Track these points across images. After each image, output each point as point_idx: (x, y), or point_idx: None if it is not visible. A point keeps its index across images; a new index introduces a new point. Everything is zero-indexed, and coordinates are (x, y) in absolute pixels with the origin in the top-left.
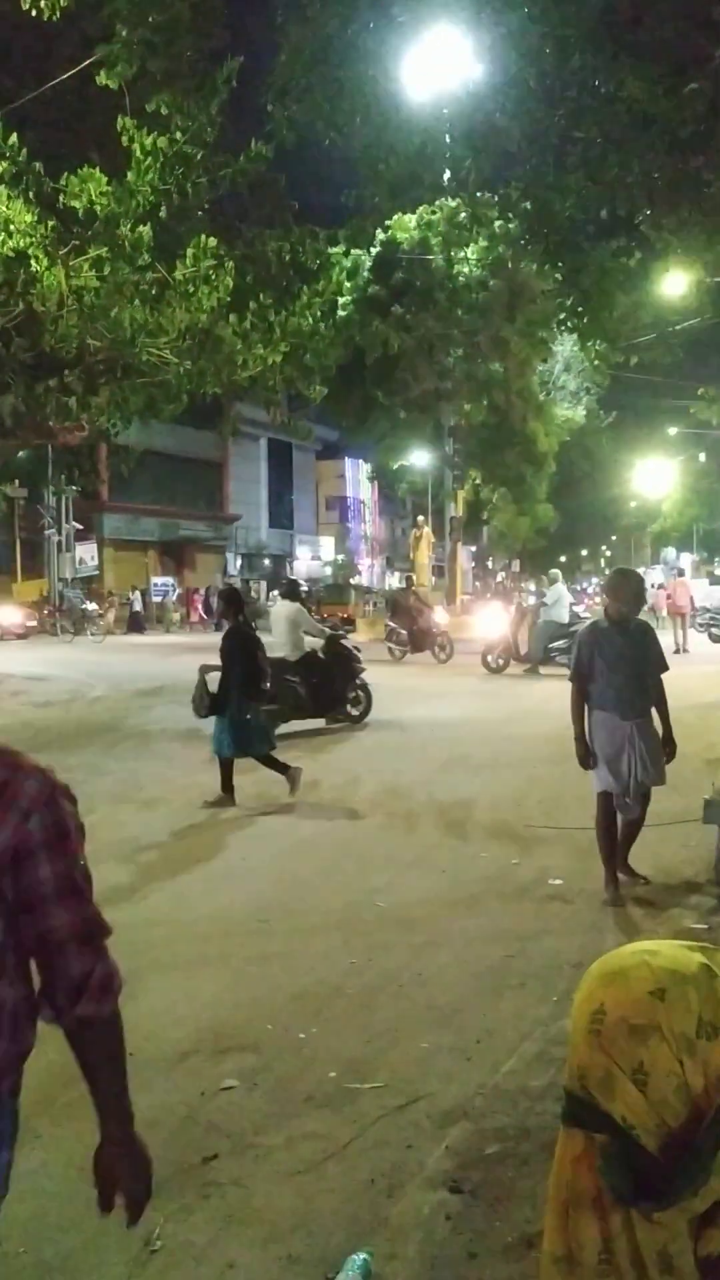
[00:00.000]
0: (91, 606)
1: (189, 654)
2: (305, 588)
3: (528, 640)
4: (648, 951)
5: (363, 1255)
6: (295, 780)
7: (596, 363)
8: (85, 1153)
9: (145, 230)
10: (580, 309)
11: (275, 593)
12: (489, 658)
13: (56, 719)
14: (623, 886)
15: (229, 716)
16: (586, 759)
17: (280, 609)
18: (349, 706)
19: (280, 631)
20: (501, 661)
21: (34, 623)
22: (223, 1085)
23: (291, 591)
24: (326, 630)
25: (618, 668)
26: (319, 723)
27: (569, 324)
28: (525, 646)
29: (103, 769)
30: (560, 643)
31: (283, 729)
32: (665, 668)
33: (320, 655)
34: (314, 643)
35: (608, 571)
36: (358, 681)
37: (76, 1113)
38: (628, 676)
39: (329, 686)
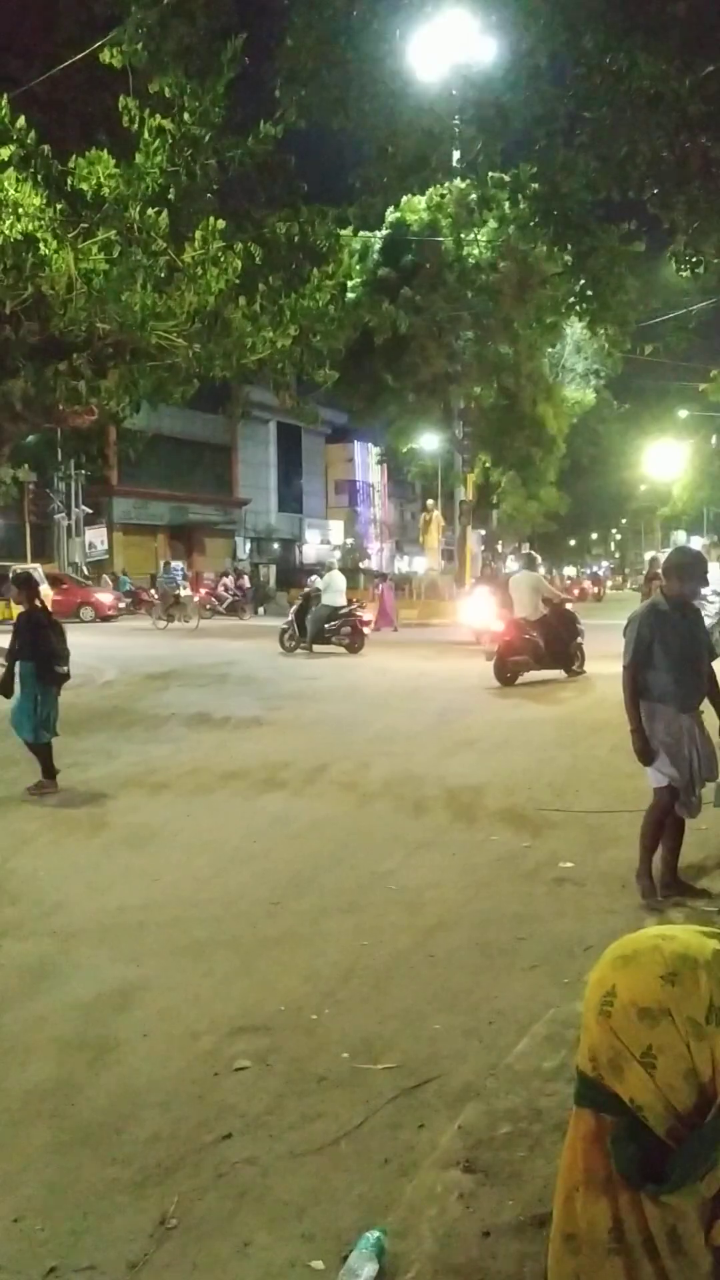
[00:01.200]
0: (185, 592)
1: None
2: (539, 559)
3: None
4: (662, 936)
5: (376, 1233)
6: (47, 789)
7: (607, 348)
8: (99, 1132)
9: (159, 214)
10: (590, 292)
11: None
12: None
13: (67, 703)
14: (676, 901)
15: (23, 700)
16: (647, 753)
17: (522, 578)
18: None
19: (523, 597)
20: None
21: (123, 605)
22: (236, 1066)
23: (530, 564)
24: (560, 595)
25: (678, 655)
26: (559, 674)
27: (579, 308)
28: (308, 629)
29: (114, 753)
30: (332, 624)
31: (527, 677)
32: (716, 654)
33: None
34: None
35: (617, 555)
36: (578, 640)
37: (91, 1091)
38: (688, 665)
39: (560, 642)
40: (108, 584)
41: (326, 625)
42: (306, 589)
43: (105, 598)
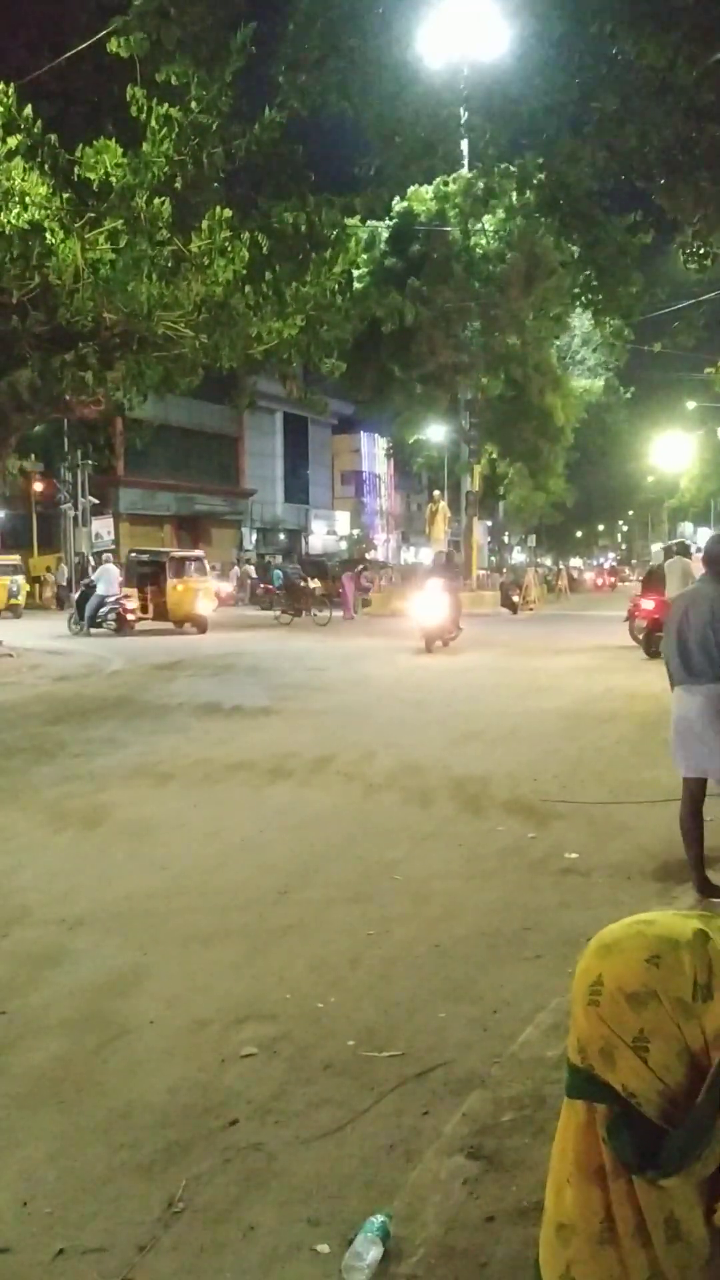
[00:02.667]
0: (314, 584)
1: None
2: (692, 545)
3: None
4: (643, 921)
5: (381, 1217)
6: None
7: (612, 342)
8: (107, 1117)
9: (164, 204)
10: (595, 283)
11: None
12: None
13: (74, 693)
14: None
15: None
16: None
17: (676, 563)
18: None
19: (675, 580)
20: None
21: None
22: (242, 1052)
23: (683, 550)
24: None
25: None
26: None
27: (584, 300)
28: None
29: (120, 742)
30: (103, 610)
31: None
32: None
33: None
34: None
35: (624, 547)
36: None
37: (99, 1077)
38: None
39: None
40: (236, 574)
41: (99, 611)
42: (86, 580)
43: (225, 587)
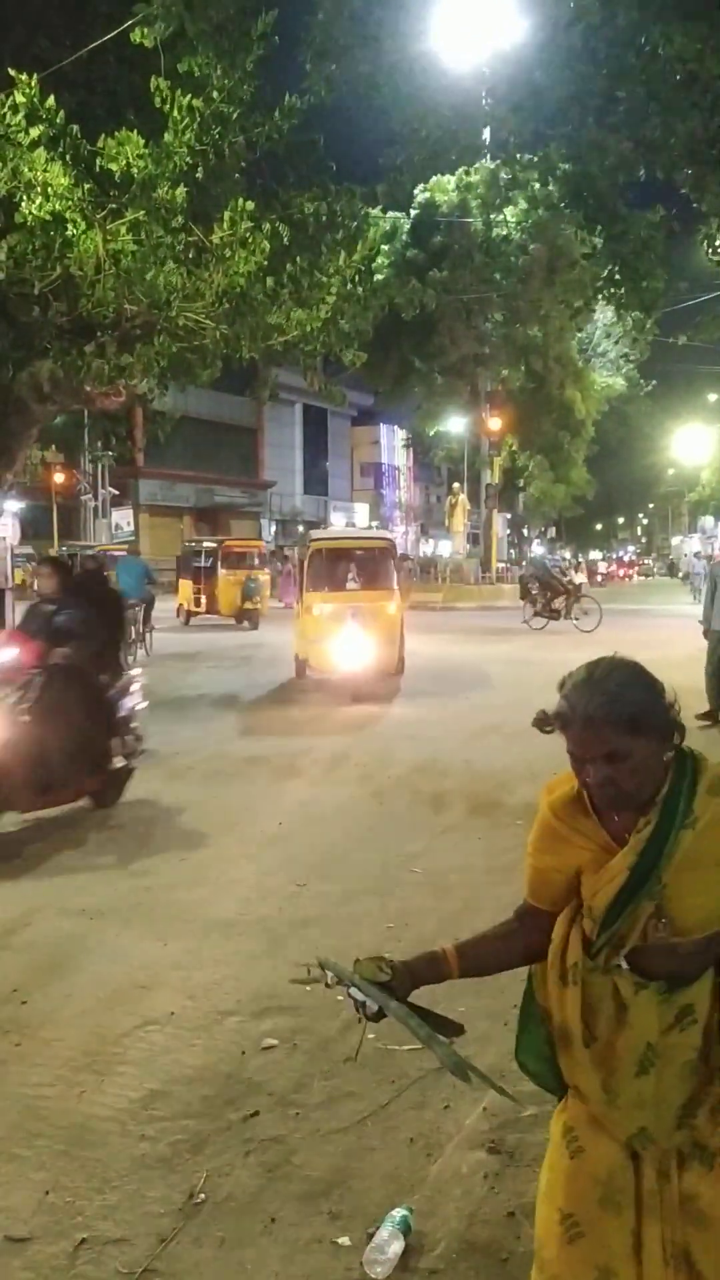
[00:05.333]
0: (579, 578)
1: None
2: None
3: None
4: None
5: (402, 1211)
6: None
7: (635, 335)
8: (129, 1108)
9: (180, 191)
10: (618, 277)
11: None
12: None
13: None
14: None
15: None
16: None
17: None
18: None
19: None
20: None
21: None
22: (263, 1045)
23: None
24: None
25: None
26: None
27: (606, 293)
28: None
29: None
30: None
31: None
32: None
33: None
34: None
35: (644, 540)
36: None
37: (120, 1068)
38: None
39: None
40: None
41: None
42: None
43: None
